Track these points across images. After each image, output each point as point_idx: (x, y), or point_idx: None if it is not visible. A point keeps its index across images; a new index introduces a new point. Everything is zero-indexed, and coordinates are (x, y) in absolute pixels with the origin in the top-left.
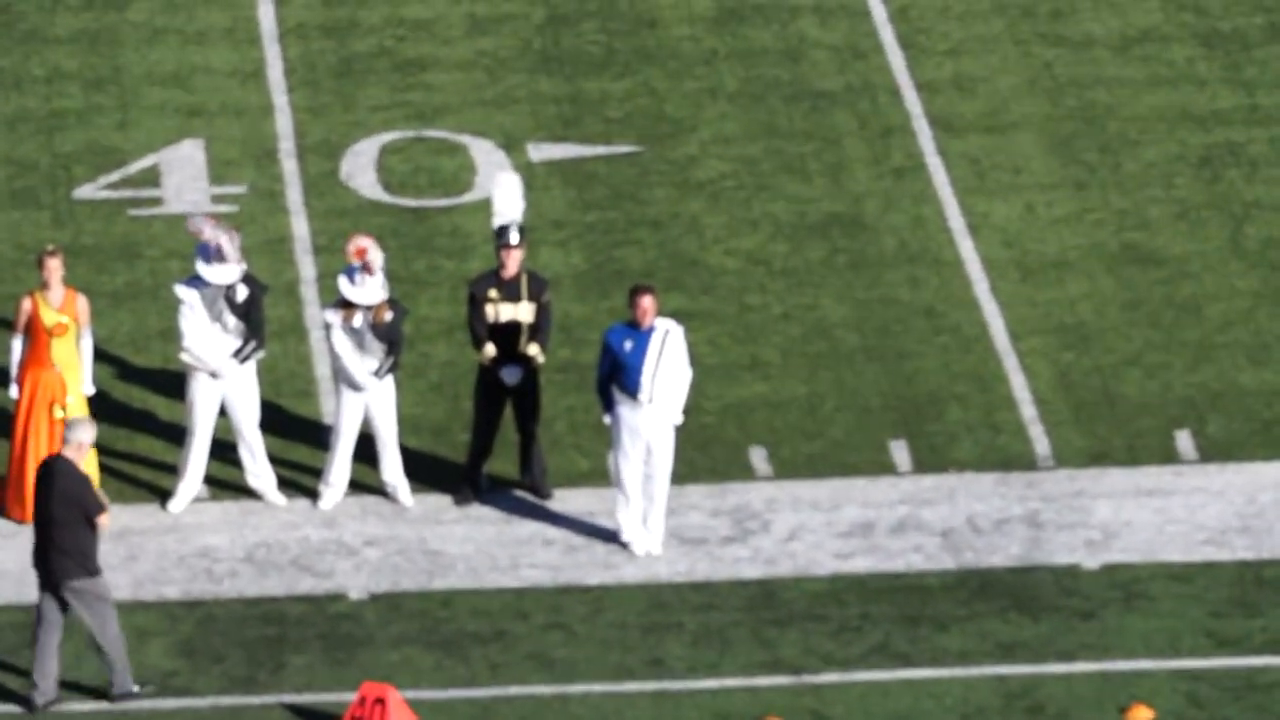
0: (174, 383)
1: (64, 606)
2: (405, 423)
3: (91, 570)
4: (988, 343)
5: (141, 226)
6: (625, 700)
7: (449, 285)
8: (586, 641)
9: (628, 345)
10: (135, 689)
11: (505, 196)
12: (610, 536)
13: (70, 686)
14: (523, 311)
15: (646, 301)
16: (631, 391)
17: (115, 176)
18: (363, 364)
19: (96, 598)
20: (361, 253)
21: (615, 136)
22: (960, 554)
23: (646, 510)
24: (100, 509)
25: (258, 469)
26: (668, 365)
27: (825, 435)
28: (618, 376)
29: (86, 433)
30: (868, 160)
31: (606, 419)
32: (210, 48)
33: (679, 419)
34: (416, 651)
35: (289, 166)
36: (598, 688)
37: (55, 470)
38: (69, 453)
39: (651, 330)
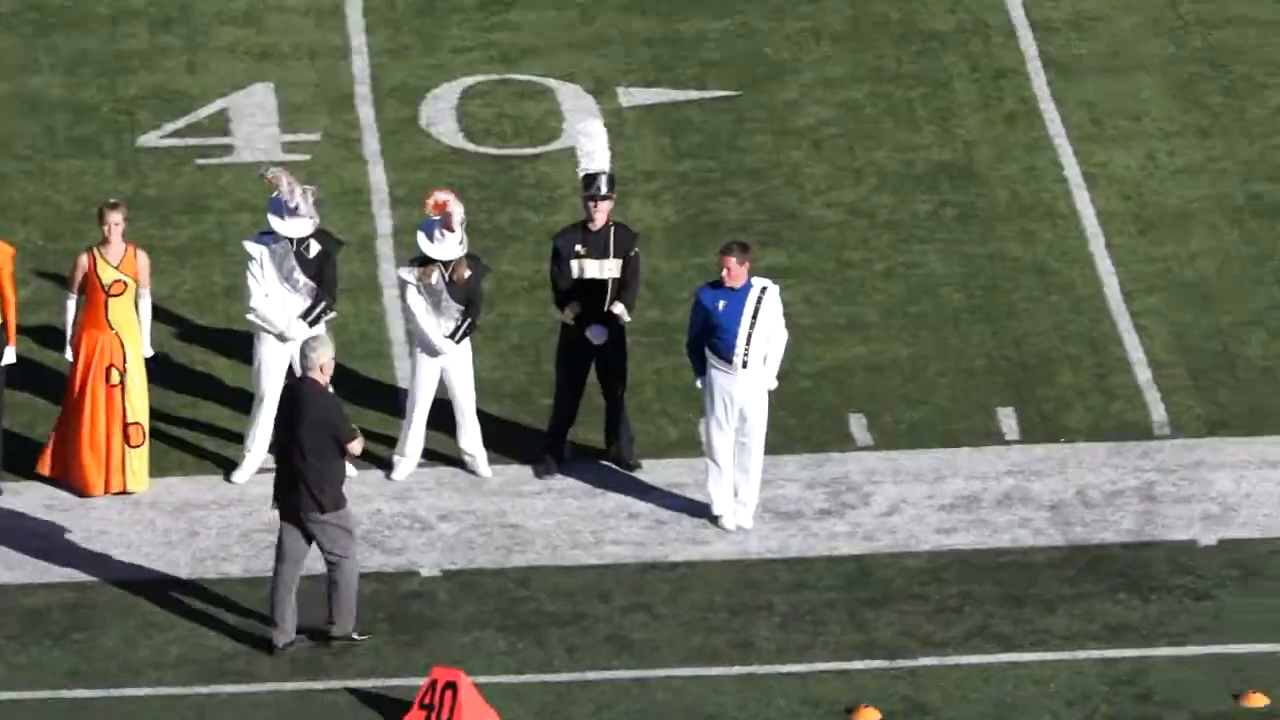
0: (240, 345)
1: (308, 539)
2: (484, 388)
3: (339, 502)
4: (1101, 302)
5: (209, 177)
6: (710, 685)
7: (533, 240)
8: (670, 623)
9: (720, 305)
10: (356, 635)
11: (591, 144)
12: (700, 510)
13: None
14: (609, 267)
15: (731, 261)
16: (724, 355)
17: (182, 123)
18: (439, 325)
19: (343, 532)
20: (441, 206)
21: (711, 80)
22: (1070, 529)
23: (739, 482)
24: (353, 434)
25: None
26: (763, 327)
27: (929, 401)
28: (710, 338)
29: (326, 352)
30: (978, 105)
31: (698, 383)
32: None
33: (774, 384)
34: (490, 634)
35: (365, 112)
36: (681, 672)
37: (302, 394)
38: (314, 375)
39: (746, 289)
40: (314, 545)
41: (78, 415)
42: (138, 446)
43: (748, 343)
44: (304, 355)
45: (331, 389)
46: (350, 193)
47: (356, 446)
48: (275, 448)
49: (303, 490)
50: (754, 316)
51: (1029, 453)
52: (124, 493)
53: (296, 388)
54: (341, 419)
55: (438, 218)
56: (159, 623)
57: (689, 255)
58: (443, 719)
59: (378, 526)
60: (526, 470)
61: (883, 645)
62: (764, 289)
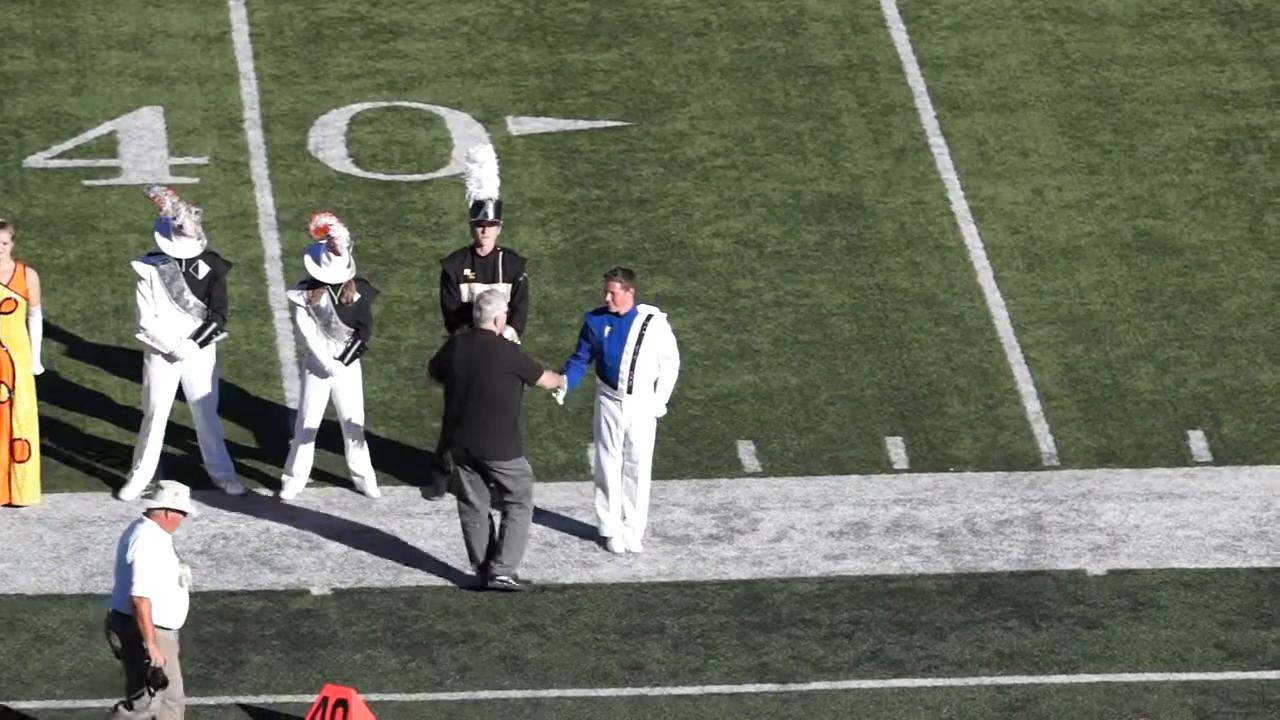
0: (129, 363)
1: (488, 483)
2: (373, 409)
3: (521, 449)
4: (991, 334)
5: (97, 197)
6: (601, 706)
7: (421, 264)
8: (561, 644)
9: (606, 331)
10: (516, 583)
11: (480, 171)
12: (588, 533)
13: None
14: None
15: (615, 286)
16: (610, 380)
17: (69, 145)
18: (329, 347)
19: (526, 476)
20: (324, 230)
21: (600, 111)
22: (959, 557)
23: (626, 506)
24: (539, 370)
25: (216, 457)
26: (648, 353)
27: (817, 430)
28: (597, 364)
29: (501, 305)
30: (867, 139)
31: (559, 396)
32: (171, 10)
33: (661, 411)
34: (381, 652)
35: (254, 137)
36: (572, 693)
37: (484, 345)
38: (489, 327)
39: (632, 316)
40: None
41: None
42: (22, 462)
43: (632, 369)
44: (480, 308)
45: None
46: (238, 215)
47: (549, 380)
48: (452, 399)
49: (489, 437)
50: (639, 342)
51: (917, 481)
52: (10, 505)
53: (474, 339)
54: (528, 360)
55: (323, 241)
56: (50, 636)
57: (578, 282)
58: None
59: (267, 545)
60: (415, 491)
61: (775, 669)
62: (649, 316)
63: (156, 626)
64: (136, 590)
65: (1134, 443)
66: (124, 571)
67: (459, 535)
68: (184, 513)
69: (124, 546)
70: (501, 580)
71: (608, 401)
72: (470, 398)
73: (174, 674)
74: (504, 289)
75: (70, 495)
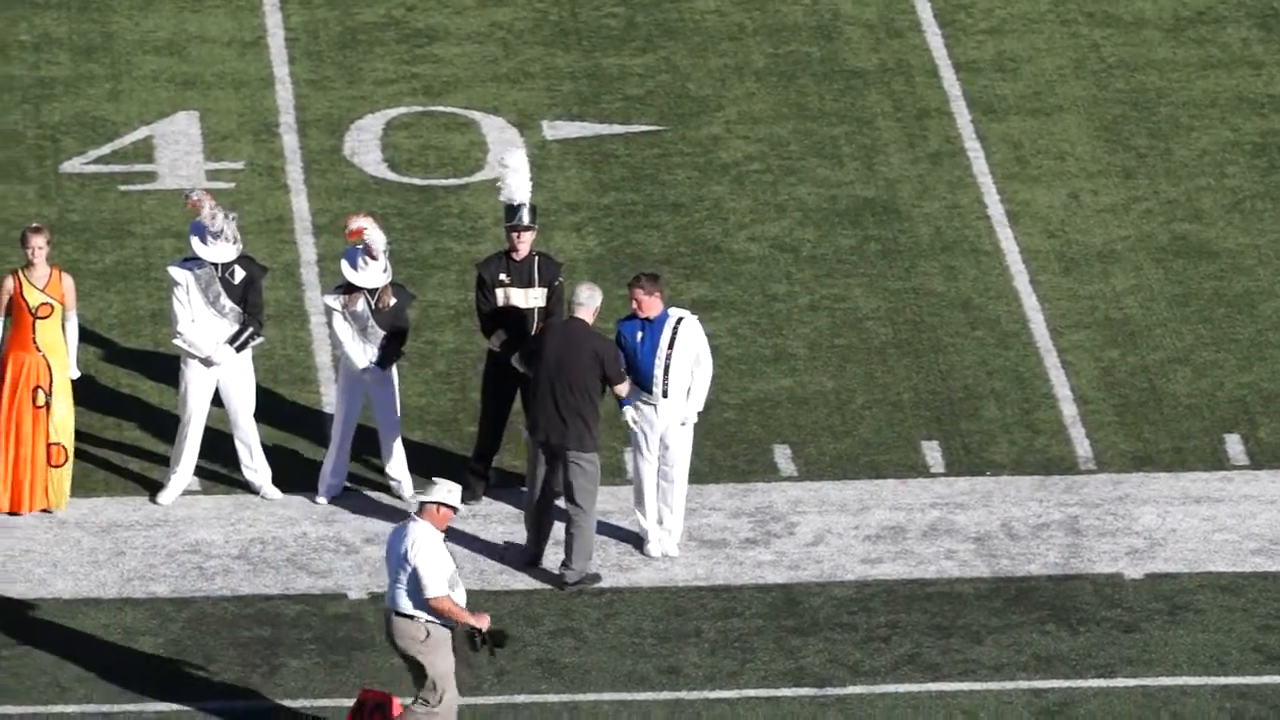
0: (166, 368)
1: (558, 472)
2: (410, 414)
3: (597, 446)
4: (1027, 338)
5: (133, 202)
6: (638, 710)
7: (457, 269)
8: (598, 648)
9: (639, 336)
10: (589, 580)
11: (513, 176)
12: (625, 537)
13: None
14: (534, 296)
15: (638, 294)
16: (644, 384)
17: (106, 150)
18: (365, 351)
19: (595, 472)
20: (358, 234)
21: (635, 115)
22: (995, 561)
23: (663, 510)
24: (621, 376)
25: (253, 461)
26: (681, 356)
27: (854, 434)
28: (631, 369)
29: (598, 297)
30: (902, 143)
31: (627, 414)
32: (207, 14)
33: (693, 417)
34: None
35: (289, 142)
36: (609, 696)
37: (577, 333)
38: (582, 316)
39: (663, 319)
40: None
41: (4, 436)
42: (59, 466)
43: (665, 372)
44: (577, 297)
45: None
46: (274, 221)
47: (624, 388)
48: (542, 384)
49: (571, 424)
50: (670, 346)
51: (953, 485)
52: (45, 510)
53: (567, 327)
54: (618, 361)
55: (359, 245)
56: (88, 640)
57: (613, 286)
58: None
59: (304, 549)
60: None
61: (812, 673)
62: (680, 319)
63: (432, 622)
64: (431, 593)
65: (1171, 446)
66: (399, 572)
67: (494, 539)
68: (455, 509)
69: (397, 547)
70: (573, 585)
71: (642, 406)
72: (557, 384)
73: (448, 670)
74: (539, 293)
75: (108, 499)
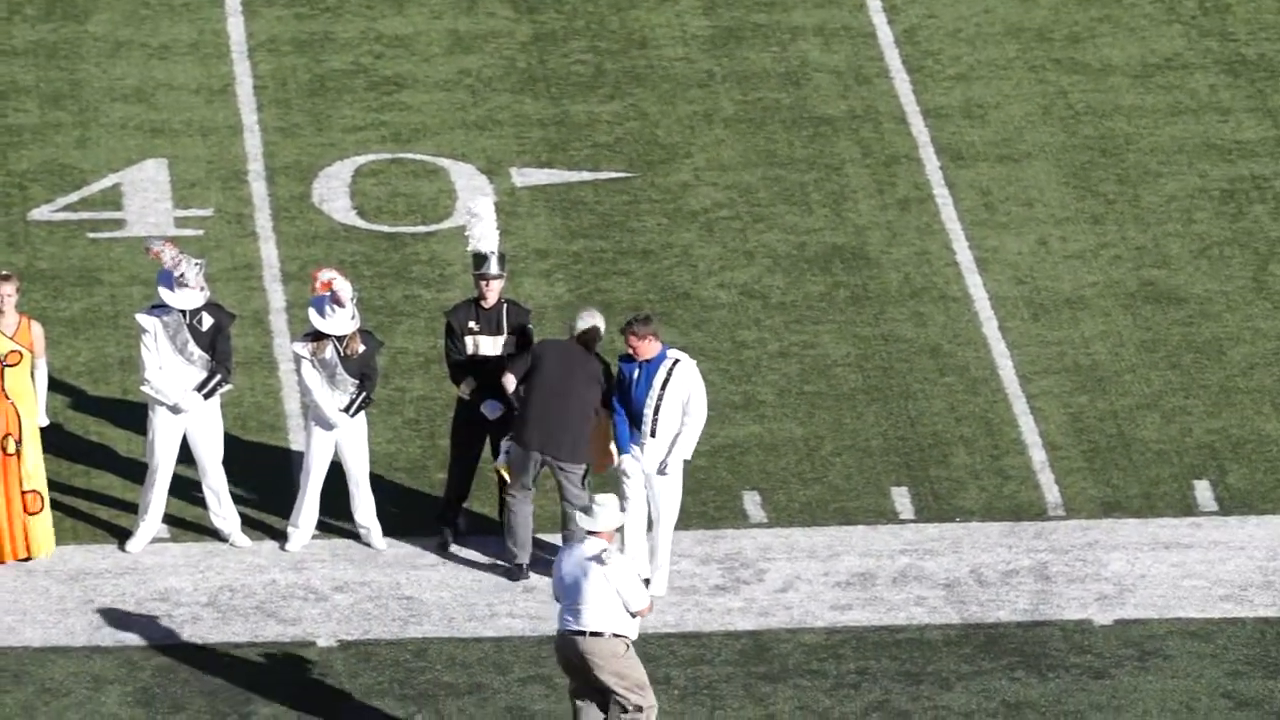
0: (134, 416)
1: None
2: (379, 461)
3: (584, 458)
4: (996, 384)
5: (101, 250)
6: None
7: (426, 316)
8: (567, 695)
9: (635, 374)
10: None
11: (480, 224)
12: None
13: None
14: (503, 344)
15: (632, 339)
16: (634, 423)
17: (74, 197)
18: (334, 399)
19: (585, 482)
20: (327, 285)
21: (604, 162)
22: (965, 607)
23: (648, 552)
24: (611, 405)
25: (222, 509)
26: (672, 397)
27: (823, 480)
28: (624, 406)
29: (596, 319)
30: (871, 190)
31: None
32: (175, 62)
33: (677, 464)
34: (388, 704)
35: (258, 189)
36: None
37: (580, 351)
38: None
39: (660, 360)
40: None
41: None
42: (35, 514)
43: (656, 412)
44: (579, 319)
45: None
46: (243, 268)
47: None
48: (535, 397)
49: (568, 438)
50: (663, 387)
51: (923, 531)
52: (27, 558)
53: (569, 345)
54: (613, 383)
55: (327, 293)
56: (56, 689)
57: None
58: None
59: (273, 597)
60: (421, 542)
61: None
62: (677, 361)
63: (619, 636)
64: (643, 604)
65: (1140, 492)
66: (584, 593)
67: (465, 587)
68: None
69: (575, 570)
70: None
71: (632, 446)
72: (556, 397)
73: (645, 675)
74: (508, 340)
75: (76, 547)
